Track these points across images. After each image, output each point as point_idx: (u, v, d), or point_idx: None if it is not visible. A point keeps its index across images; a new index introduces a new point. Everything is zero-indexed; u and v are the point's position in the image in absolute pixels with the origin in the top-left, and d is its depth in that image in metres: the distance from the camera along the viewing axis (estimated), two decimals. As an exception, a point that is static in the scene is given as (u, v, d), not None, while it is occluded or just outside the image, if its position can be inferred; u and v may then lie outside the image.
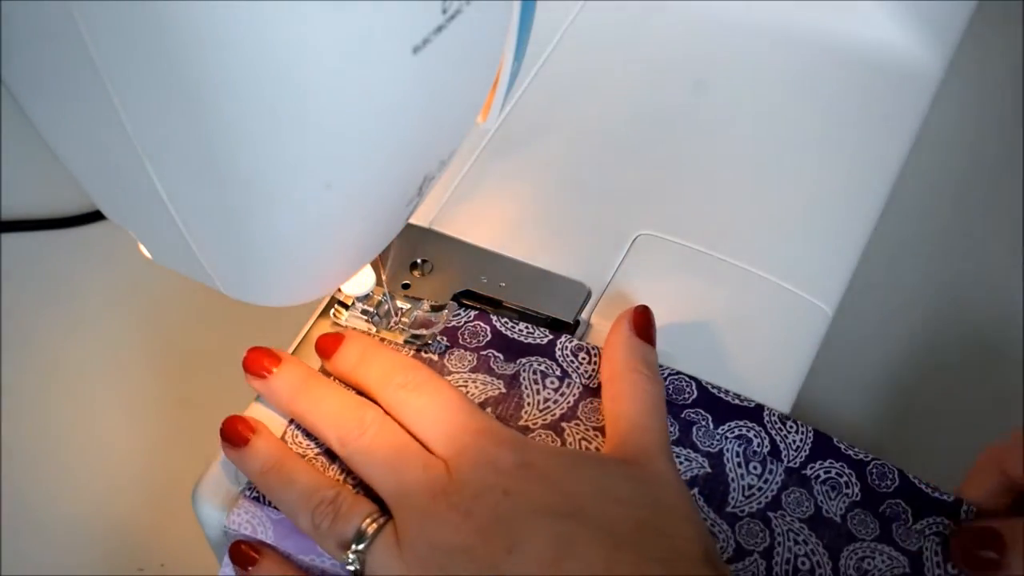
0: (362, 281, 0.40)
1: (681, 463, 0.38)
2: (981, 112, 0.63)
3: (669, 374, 0.40)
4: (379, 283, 0.41)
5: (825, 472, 0.38)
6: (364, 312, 0.41)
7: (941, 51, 0.51)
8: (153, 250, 0.35)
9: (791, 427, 0.39)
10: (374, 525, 0.34)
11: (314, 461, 0.38)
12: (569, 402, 0.39)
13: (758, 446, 0.39)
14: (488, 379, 0.40)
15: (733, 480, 0.38)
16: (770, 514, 0.38)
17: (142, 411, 0.51)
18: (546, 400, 0.39)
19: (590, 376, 0.40)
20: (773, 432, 0.39)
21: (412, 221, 0.43)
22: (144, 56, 0.25)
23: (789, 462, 0.39)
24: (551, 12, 0.52)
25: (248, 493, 0.38)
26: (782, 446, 0.39)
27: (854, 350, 0.54)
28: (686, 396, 0.39)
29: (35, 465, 0.50)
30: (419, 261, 0.43)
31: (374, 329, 0.41)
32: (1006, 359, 0.54)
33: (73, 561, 0.48)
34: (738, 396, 0.39)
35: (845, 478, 0.38)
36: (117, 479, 0.49)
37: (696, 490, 0.38)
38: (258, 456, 0.37)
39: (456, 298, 0.42)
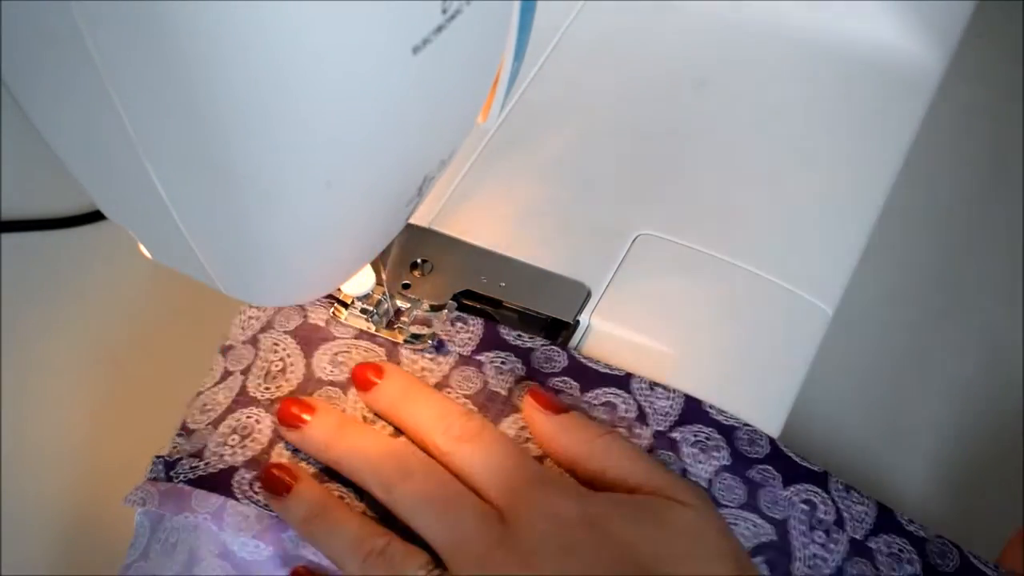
0: (362, 281, 0.40)
1: None
2: (981, 112, 0.63)
3: (541, 345, 0.40)
4: (379, 283, 0.41)
5: (694, 435, 0.38)
6: (364, 312, 0.41)
7: (941, 51, 0.51)
8: (153, 250, 0.35)
9: (660, 394, 0.39)
10: None
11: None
12: (444, 371, 0.40)
13: (625, 412, 0.39)
14: (369, 345, 0.40)
15: None
16: None
17: (142, 411, 0.51)
18: (423, 369, 0.40)
19: (464, 344, 0.40)
20: (641, 399, 0.39)
21: (412, 221, 0.43)
22: (144, 56, 0.25)
23: (657, 426, 0.39)
24: (551, 12, 0.52)
25: (149, 476, 0.38)
26: (649, 411, 0.39)
27: (854, 350, 0.54)
28: (555, 365, 0.40)
29: (35, 464, 0.50)
30: (419, 261, 0.43)
31: (373, 328, 0.41)
32: (1006, 359, 0.54)
33: (72, 560, 0.48)
34: (608, 366, 0.39)
35: (714, 442, 0.38)
36: (118, 479, 0.49)
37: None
38: (302, 504, 0.36)
39: (456, 298, 0.42)
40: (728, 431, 0.39)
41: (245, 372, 0.41)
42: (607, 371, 0.39)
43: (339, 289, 0.41)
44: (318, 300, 0.42)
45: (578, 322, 0.42)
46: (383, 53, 0.26)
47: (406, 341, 0.41)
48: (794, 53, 0.50)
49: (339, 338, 0.41)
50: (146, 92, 0.26)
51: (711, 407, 0.39)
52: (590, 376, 0.39)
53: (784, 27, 0.51)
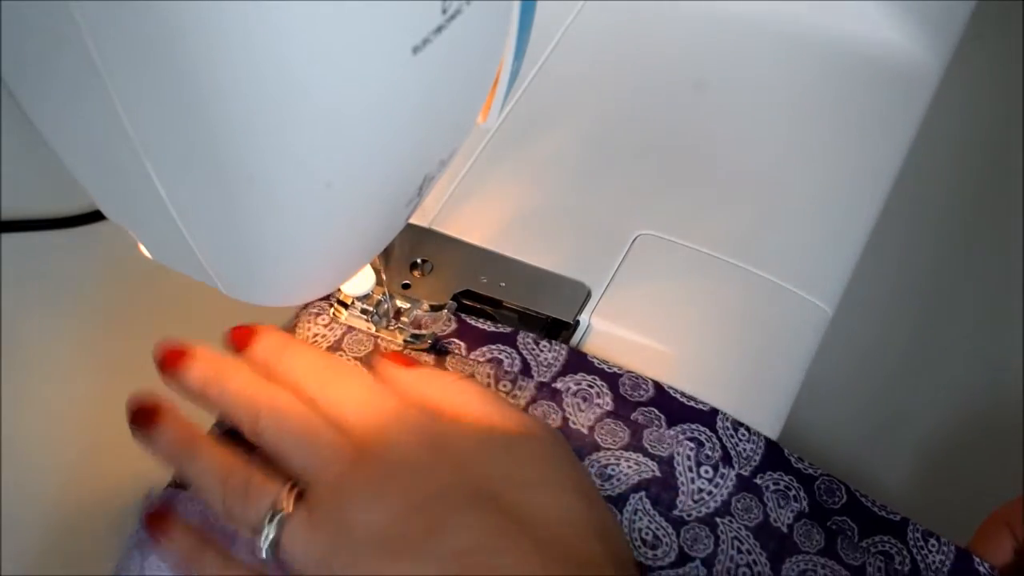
0: (362, 281, 0.40)
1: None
2: (981, 112, 0.63)
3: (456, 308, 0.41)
4: (379, 283, 0.41)
5: (576, 384, 0.39)
6: (364, 312, 0.41)
7: (941, 51, 0.51)
8: (153, 249, 0.35)
9: (545, 347, 0.40)
10: (288, 504, 0.34)
11: None
12: (336, 335, 0.41)
13: (510, 366, 0.40)
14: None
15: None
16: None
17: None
18: (316, 335, 0.41)
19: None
20: (525, 352, 0.40)
21: (412, 221, 0.43)
22: (144, 56, 0.25)
23: (541, 377, 0.39)
24: (551, 12, 0.52)
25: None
26: (533, 364, 0.40)
27: (854, 350, 0.54)
28: (445, 329, 0.41)
29: (35, 465, 0.50)
30: (419, 261, 0.43)
31: (374, 328, 0.41)
32: (1005, 358, 0.54)
33: (71, 560, 0.48)
34: (495, 325, 0.41)
35: (596, 389, 0.39)
36: (117, 479, 0.49)
37: None
38: (166, 438, 0.37)
39: (456, 298, 0.42)
40: (611, 378, 0.39)
41: None
42: (494, 330, 0.40)
43: (339, 289, 0.41)
44: (318, 301, 0.42)
45: (578, 322, 0.42)
46: (383, 53, 0.26)
47: (406, 341, 0.41)
48: (794, 53, 0.50)
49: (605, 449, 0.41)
50: (146, 92, 0.26)
51: (594, 358, 0.40)
52: (477, 335, 0.40)
53: (784, 27, 0.51)
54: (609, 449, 0.38)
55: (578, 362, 0.40)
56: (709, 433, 0.38)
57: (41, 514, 0.49)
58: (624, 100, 0.49)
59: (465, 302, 0.42)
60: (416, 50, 0.26)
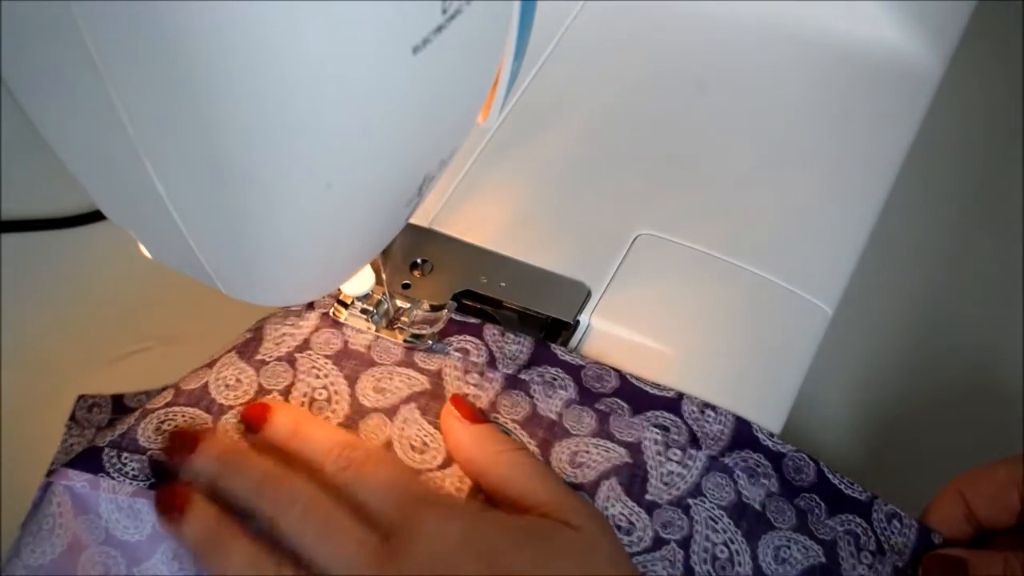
0: (362, 281, 0.40)
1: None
2: (981, 112, 0.63)
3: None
4: (379, 283, 0.41)
5: (540, 375, 0.40)
6: (363, 311, 0.42)
7: (941, 51, 0.51)
8: (153, 250, 0.35)
9: (511, 339, 0.41)
10: None
11: None
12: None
13: (477, 357, 0.40)
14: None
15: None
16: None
17: (142, 411, 0.51)
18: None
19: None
20: (492, 346, 0.40)
21: (412, 221, 0.43)
22: (145, 56, 0.25)
23: (506, 369, 0.40)
24: (551, 12, 0.52)
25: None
26: (499, 356, 0.40)
27: (854, 350, 0.54)
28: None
29: (35, 466, 0.50)
30: (419, 261, 0.43)
31: (373, 328, 0.41)
32: (1005, 357, 0.54)
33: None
34: (465, 316, 0.41)
35: (561, 381, 0.40)
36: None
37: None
38: (194, 530, 0.35)
39: (456, 298, 0.42)
40: (575, 370, 0.40)
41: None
42: (464, 320, 0.41)
43: (339, 289, 0.41)
44: (324, 299, 0.42)
45: (578, 322, 0.42)
46: (383, 53, 0.26)
47: (406, 341, 0.41)
48: (794, 53, 0.50)
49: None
50: (146, 92, 0.26)
51: (560, 349, 0.40)
52: (450, 327, 0.41)
53: (784, 27, 0.51)
54: (578, 436, 0.39)
55: (543, 354, 0.40)
56: (675, 419, 0.39)
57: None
58: (624, 100, 0.49)
59: (465, 302, 0.42)
60: (416, 50, 0.26)
